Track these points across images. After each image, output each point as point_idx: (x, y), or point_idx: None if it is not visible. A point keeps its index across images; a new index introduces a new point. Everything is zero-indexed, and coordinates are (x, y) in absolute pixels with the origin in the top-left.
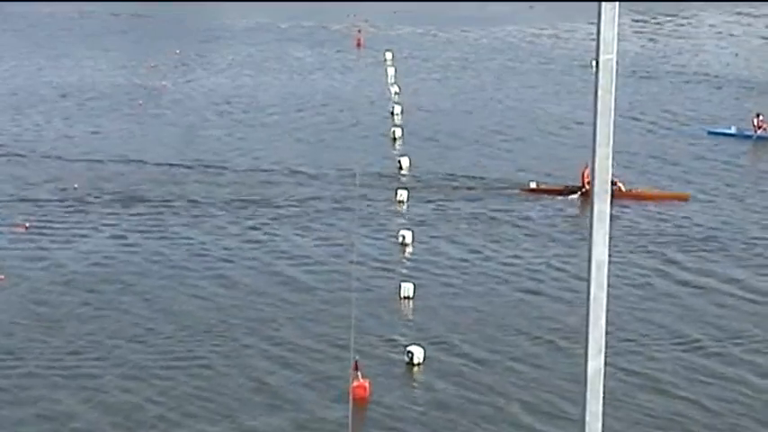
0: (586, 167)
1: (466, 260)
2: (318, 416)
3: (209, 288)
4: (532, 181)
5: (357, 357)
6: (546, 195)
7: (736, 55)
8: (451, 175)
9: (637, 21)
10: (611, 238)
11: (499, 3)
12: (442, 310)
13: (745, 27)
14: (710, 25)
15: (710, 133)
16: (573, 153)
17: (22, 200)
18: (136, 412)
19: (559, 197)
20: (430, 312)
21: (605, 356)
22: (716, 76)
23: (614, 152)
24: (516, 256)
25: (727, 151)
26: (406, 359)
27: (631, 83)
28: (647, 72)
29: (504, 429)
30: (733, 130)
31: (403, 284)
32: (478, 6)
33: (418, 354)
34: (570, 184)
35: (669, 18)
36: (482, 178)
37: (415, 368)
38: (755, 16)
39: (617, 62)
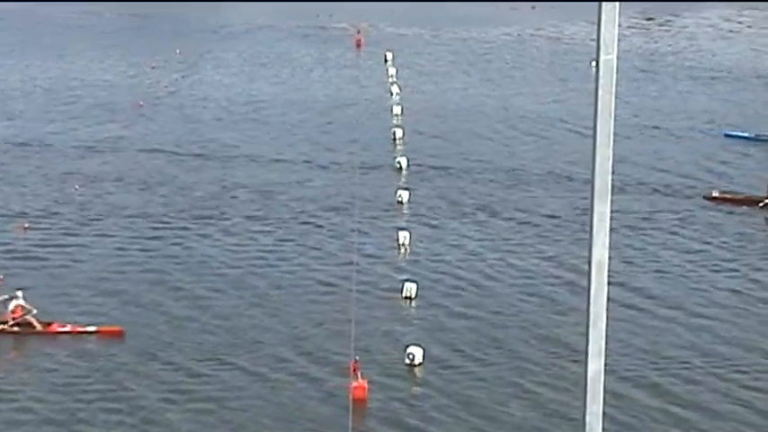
0: None
1: (467, 260)
2: (318, 416)
3: (208, 287)
4: (715, 189)
5: (357, 358)
6: (730, 204)
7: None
8: (452, 174)
9: (646, 20)
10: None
11: (500, 3)
12: (443, 310)
13: (756, 27)
14: (711, 25)
15: (727, 136)
16: (580, 151)
17: (22, 199)
18: (140, 412)
19: (745, 207)
20: (430, 312)
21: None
22: (727, 77)
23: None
24: (521, 256)
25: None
26: (408, 360)
27: (644, 84)
28: (661, 72)
29: (504, 430)
30: (749, 134)
31: (406, 284)
32: (479, 6)
33: (418, 354)
34: (755, 194)
35: (673, 17)
36: (484, 177)
37: (415, 369)
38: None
39: (617, 62)
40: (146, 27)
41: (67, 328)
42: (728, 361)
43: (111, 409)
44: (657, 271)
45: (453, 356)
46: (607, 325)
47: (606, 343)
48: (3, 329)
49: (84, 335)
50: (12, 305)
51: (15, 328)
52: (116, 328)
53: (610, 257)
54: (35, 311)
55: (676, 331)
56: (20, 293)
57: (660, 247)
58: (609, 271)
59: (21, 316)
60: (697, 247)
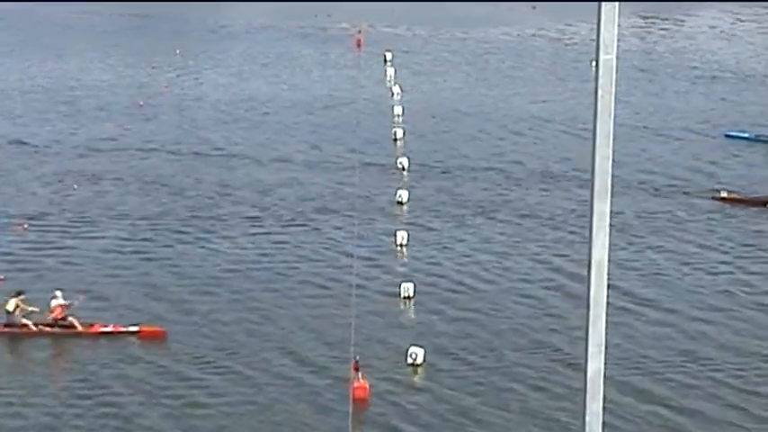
0: None
1: (467, 260)
2: (318, 416)
3: (206, 288)
4: (723, 190)
5: (357, 358)
6: (739, 205)
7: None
8: (452, 174)
9: (646, 20)
10: None
11: (500, 3)
12: (443, 310)
13: (755, 27)
14: (710, 25)
15: (728, 136)
16: (580, 151)
17: (22, 199)
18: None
19: (754, 208)
20: (430, 313)
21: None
22: (727, 77)
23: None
24: (520, 256)
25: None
26: (410, 360)
27: (643, 84)
28: (660, 72)
29: (503, 430)
30: (750, 134)
31: (403, 284)
32: (478, 6)
33: (419, 355)
34: (761, 195)
35: (672, 17)
36: (485, 177)
37: (416, 369)
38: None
39: (616, 62)
40: (146, 27)
41: (110, 329)
42: (728, 363)
43: (150, 409)
44: (666, 273)
45: (453, 357)
46: (607, 325)
47: (607, 345)
48: (44, 330)
49: (126, 335)
50: (51, 305)
51: (56, 329)
52: (158, 329)
53: (610, 260)
54: (76, 303)
55: (690, 334)
56: (59, 293)
57: (672, 249)
58: (622, 273)
59: (62, 316)
60: (709, 248)
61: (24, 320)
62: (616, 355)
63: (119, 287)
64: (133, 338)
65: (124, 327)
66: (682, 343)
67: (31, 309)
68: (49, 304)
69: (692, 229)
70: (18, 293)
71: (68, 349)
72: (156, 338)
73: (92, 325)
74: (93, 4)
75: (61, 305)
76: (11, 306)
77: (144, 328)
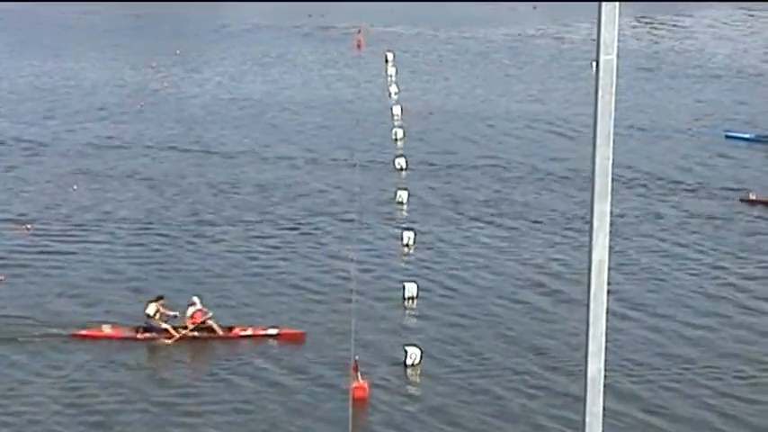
0: None
1: (468, 261)
2: (318, 416)
3: (207, 291)
4: (752, 191)
5: (357, 358)
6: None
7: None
8: (452, 175)
9: (646, 20)
10: None
11: (500, 3)
12: (444, 311)
13: (755, 27)
14: (710, 25)
15: (728, 137)
16: (581, 151)
17: (22, 200)
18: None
19: None
20: (433, 313)
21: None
22: (727, 77)
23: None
24: (520, 257)
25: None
26: (409, 361)
27: (643, 84)
28: (660, 72)
29: (502, 430)
30: (750, 134)
31: (407, 285)
32: (479, 6)
33: (418, 356)
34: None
35: (673, 17)
36: (485, 177)
37: (415, 370)
38: None
39: (617, 62)
40: (146, 27)
41: (249, 332)
42: (733, 370)
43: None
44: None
45: (453, 358)
46: (607, 325)
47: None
48: (184, 335)
49: (266, 338)
50: (190, 311)
51: (196, 333)
52: (297, 331)
53: (608, 261)
54: (211, 314)
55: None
56: (196, 299)
57: (699, 250)
58: (647, 275)
59: (201, 320)
60: (736, 249)
61: (165, 325)
62: (641, 360)
63: (112, 288)
64: (272, 341)
65: (263, 329)
66: (722, 347)
67: (171, 313)
68: (185, 310)
69: (719, 230)
70: (158, 298)
71: (209, 353)
72: (295, 341)
73: (231, 329)
74: (93, 4)
75: (199, 310)
76: (151, 310)
77: (283, 332)
